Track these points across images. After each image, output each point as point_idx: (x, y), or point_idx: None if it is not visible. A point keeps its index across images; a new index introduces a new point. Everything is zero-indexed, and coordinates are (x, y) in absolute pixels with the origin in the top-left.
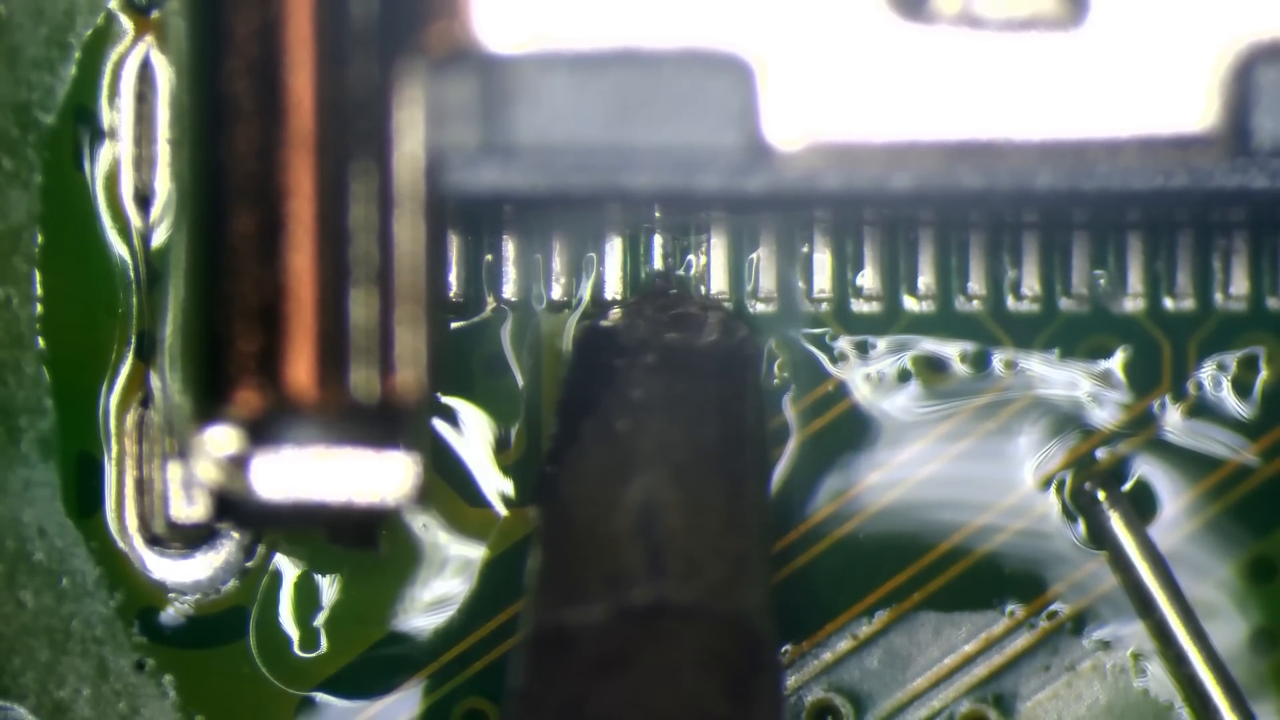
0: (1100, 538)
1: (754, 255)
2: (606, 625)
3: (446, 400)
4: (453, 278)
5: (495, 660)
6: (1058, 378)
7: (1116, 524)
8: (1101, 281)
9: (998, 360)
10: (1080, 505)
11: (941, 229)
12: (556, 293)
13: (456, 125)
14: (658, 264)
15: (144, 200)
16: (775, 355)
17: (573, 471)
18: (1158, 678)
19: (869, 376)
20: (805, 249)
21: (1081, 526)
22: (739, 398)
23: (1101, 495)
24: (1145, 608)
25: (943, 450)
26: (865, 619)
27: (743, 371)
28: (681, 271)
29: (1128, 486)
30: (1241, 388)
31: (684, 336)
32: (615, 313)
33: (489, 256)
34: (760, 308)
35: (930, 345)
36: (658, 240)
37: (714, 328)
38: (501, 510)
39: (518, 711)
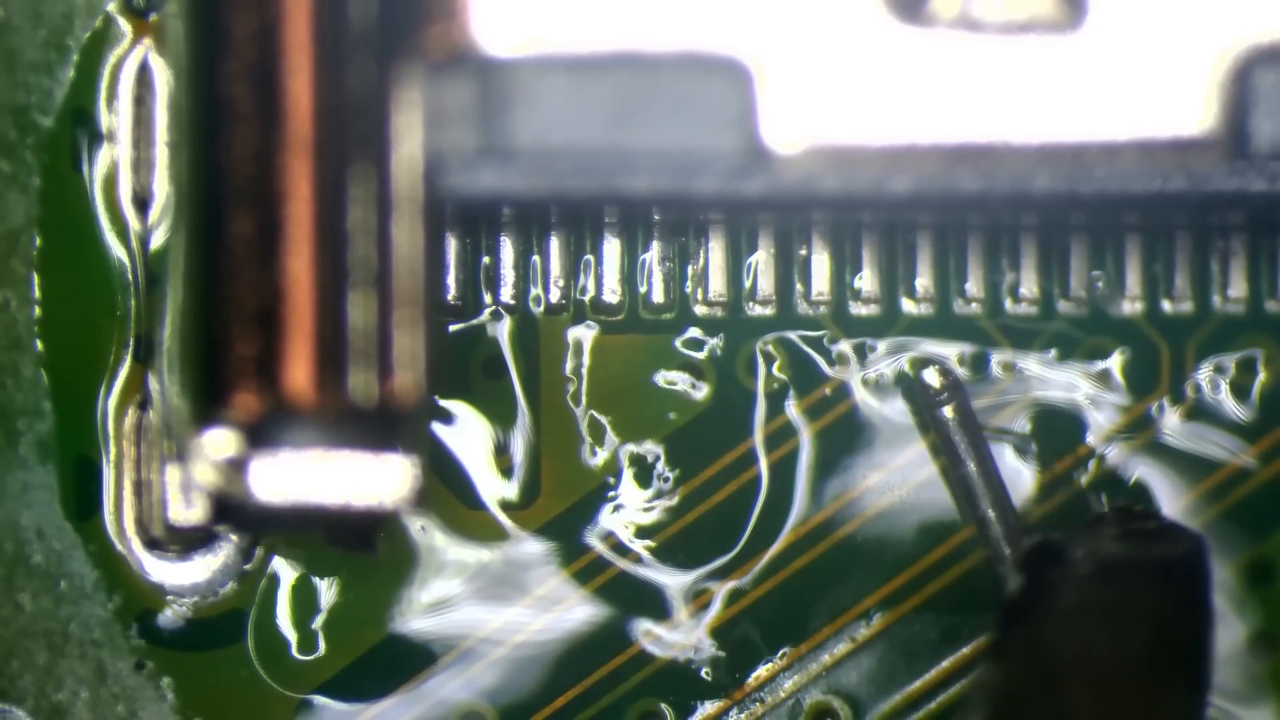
0: (930, 424)
1: (752, 258)
2: None
3: (444, 403)
4: (451, 280)
5: (494, 662)
6: (1056, 380)
7: (949, 415)
8: (1100, 284)
9: (996, 363)
10: (912, 393)
11: (940, 232)
12: (555, 296)
13: (455, 128)
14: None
15: (142, 203)
16: (775, 357)
17: (996, 679)
18: None
19: (867, 379)
20: (803, 252)
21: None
22: (1173, 604)
23: (937, 383)
24: (969, 502)
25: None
26: (864, 622)
27: (1180, 577)
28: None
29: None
30: (1240, 390)
31: (1129, 547)
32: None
33: (487, 259)
34: (758, 311)
35: (929, 348)
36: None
37: (1163, 540)
38: (499, 513)
39: None
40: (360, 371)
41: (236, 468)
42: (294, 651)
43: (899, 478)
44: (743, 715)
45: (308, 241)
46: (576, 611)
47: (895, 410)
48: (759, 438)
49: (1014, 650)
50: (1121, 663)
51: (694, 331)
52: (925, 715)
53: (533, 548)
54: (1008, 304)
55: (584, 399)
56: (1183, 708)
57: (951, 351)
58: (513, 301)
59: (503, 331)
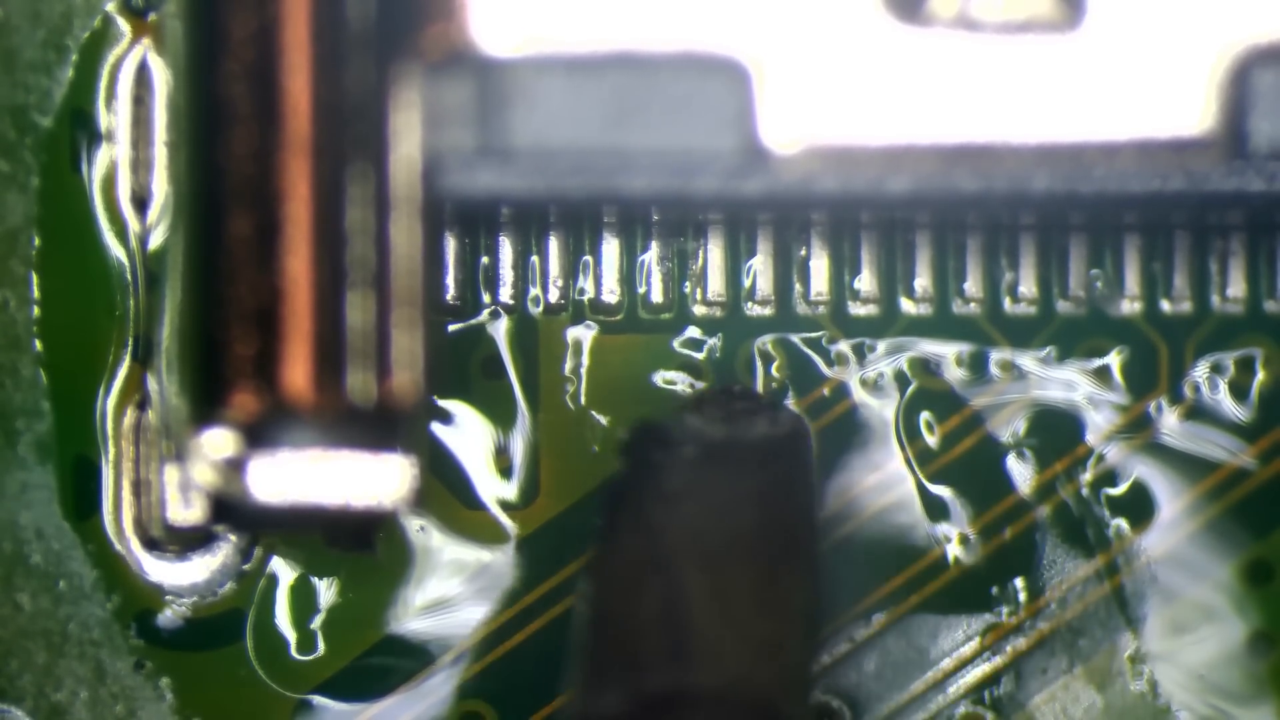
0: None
1: (751, 259)
2: (625, 713)
3: (443, 403)
4: (449, 280)
5: (492, 663)
6: (1055, 380)
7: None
8: (1098, 284)
9: (994, 362)
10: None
11: (938, 232)
12: (553, 296)
13: (453, 128)
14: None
15: (141, 203)
16: (773, 358)
17: (605, 563)
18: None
19: (866, 379)
20: (802, 252)
21: None
22: (779, 484)
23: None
24: None
25: (940, 453)
26: (863, 622)
27: (784, 457)
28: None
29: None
30: (1238, 390)
31: (729, 430)
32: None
33: (485, 259)
34: (757, 311)
35: (927, 347)
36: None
37: (763, 421)
38: (498, 513)
39: None
40: (359, 371)
41: (235, 468)
42: (293, 651)
43: (898, 478)
44: None
45: (306, 241)
46: (576, 612)
47: (893, 410)
48: None
49: (622, 533)
50: (732, 544)
51: (693, 331)
52: (925, 715)
53: (532, 548)
54: (1006, 304)
55: (583, 399)
56: (795, 587)
57: (950, 351)
58: (511, 301)
59: (501, 331)
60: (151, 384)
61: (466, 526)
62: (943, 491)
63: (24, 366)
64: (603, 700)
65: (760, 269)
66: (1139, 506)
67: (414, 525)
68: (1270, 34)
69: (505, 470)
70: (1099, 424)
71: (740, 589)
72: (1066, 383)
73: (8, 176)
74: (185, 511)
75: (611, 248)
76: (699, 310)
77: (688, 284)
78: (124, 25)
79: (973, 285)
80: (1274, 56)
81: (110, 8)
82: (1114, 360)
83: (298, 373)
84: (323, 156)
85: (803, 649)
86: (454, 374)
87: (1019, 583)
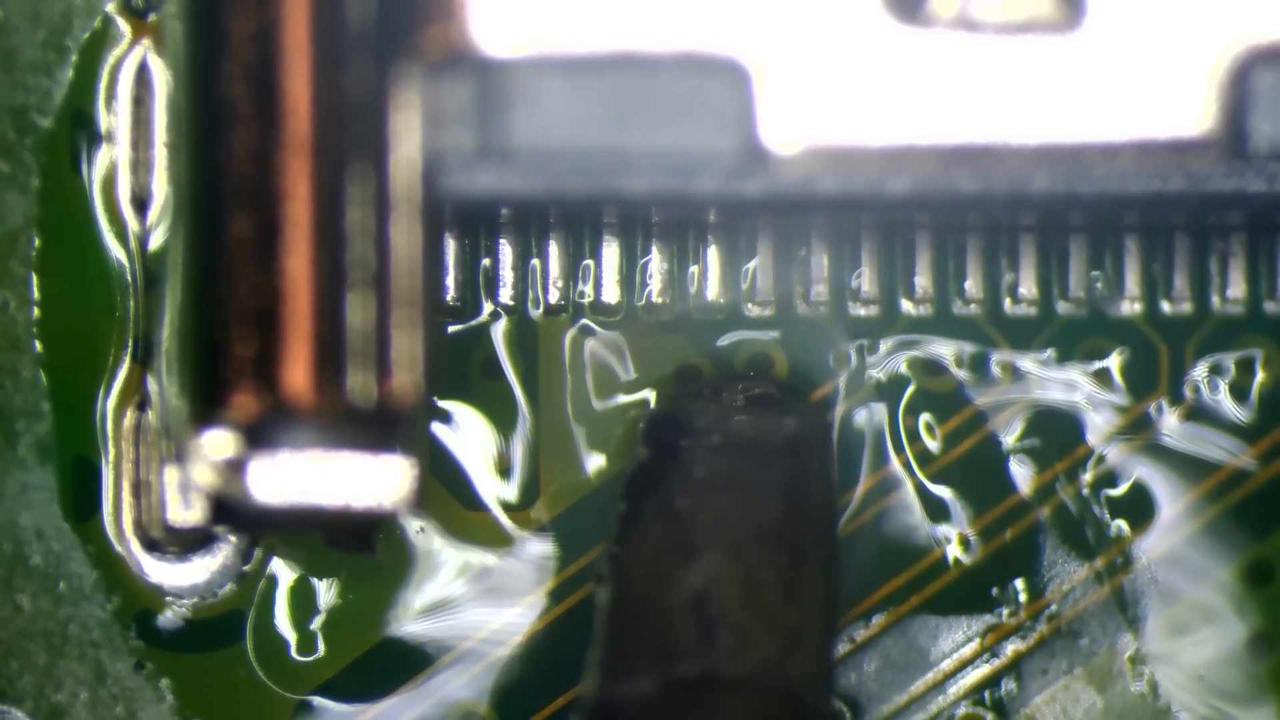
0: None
1: (751, 260)
2: (655, 698)
3: (443, 404)
4: (449, 281)
5: (493, 663)
6: (1055, 381)
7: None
8: (1099, 284)
9: (995, 363)
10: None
11: (939, 232)
12: (553, 297)
13: (453, 129)
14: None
15: (141, 204)
16: (773, 359)
17: (632, 549)
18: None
19: (867, 379)
20: (802, 253)
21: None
22: (804, 477)
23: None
24: None
25: (940, 454)
26: (863, 623)
27: (809, 451)
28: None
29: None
30: (1239, 391)
31: (752, 418)
32: (692, 396)
33: (485, 260)
34: (757, 312)
35: (928, 348)
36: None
37: (785, 410)
38: (498, 514)
39: None
40: (359, 372)
41: (235, 468)
42: (293, 652)
43: (898, 479)
44: None
45: (306, 242)
46: (576, 612)
47: (895, 411)
48: None
49: (649, 520)
50: (758, 532)
51: (693, 332)
52: (925, 716)
53: (532, 548)
54: (1007, 305)
55: (582, 400)
56: (818, 578)
57: (951, 351)
58: (511, 302)
59: (501, 333)
60: (151, 385)
61: (466, 528)
62: (943, 492)
63: (24, 367)
64: (632, 685)
65: (760, 269)
66: (1139, 507)
67: (414, 526)
68: (1270, 34)
69: (505, 471)
70: (1099, 425)
71: (767, 578)
72: (1067, 383)
73: (8, 177)
74: (185, 512)
75: (611, 249)
76: (699, 311)
77: (688, 285)
78: (124, 26)
79: (973, 286)
80: (1274, 57)
81: (110, 8)
82: (1114, 361)
83: (298, 373)
84: (323, 157)
85: (824, 640)
86: (454, 375)
87: (1019, 584)
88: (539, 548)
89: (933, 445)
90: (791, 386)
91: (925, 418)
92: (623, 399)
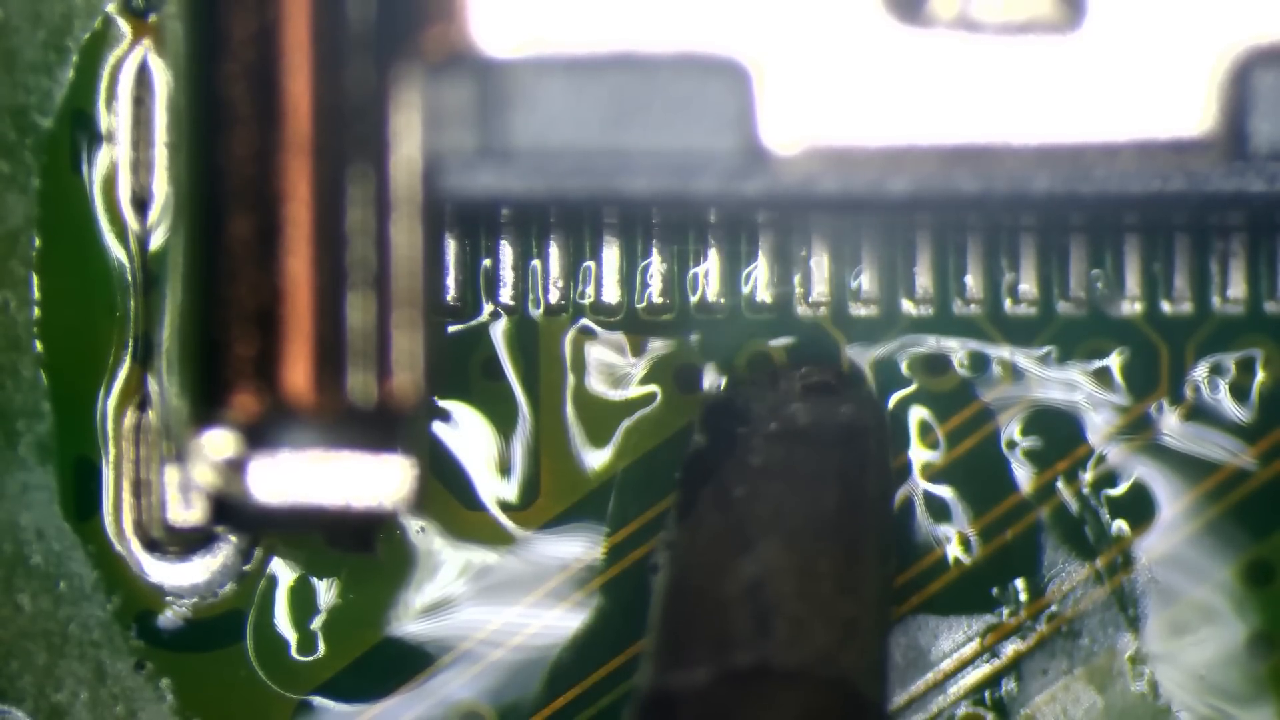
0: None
1: (752, 261)
2: (710, 688)
3: (443, 404)
4: (450, 281)
5: (493, 663)
6: (1055, 380)
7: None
8: (1099, 284)
9: (996, 363)
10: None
11: (939, 232)
12: (554, 297)
13: (453, 129)
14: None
15: (141, 204)
16: (773, 360)
17: (688, 538)
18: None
19: (867, 380)
20: (803, 253)
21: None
22: (860, 467)
23: None
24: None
25: (941, 453)
26: None
27: (865, 440)
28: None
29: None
30: (1239, 391)
31: (809, 406)
32: (750, 383)
33: (486, 260)
34: (758, 312)
35: (928, 348)
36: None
37: (843, 399)
38: (498, 514)
39: None
40: (359, 372)
41: (235, 468)
42: (293, 652)
43: (897, 478)
44: None
45: (307, 242)
46: (576, 612)
47: (895, 410)
48: None
49: (705, 508)
50: (815, 522)
51: (693, 333)
52: (925, 716)
53: (532, 548)
54: (1007, 304)
55: (582, 401)
56: (874, 569)
57: (951, 352)
58: (512, 303)
59: (501, 333)
60: (152, 385)
61: (466, 528)
62: (943, 492)
63: (24, 367)
64: (686, 675)
65: (760, 270)
66: (1139, 507)
67: (414, 526)
68: (1270, 34)
69: (505, 471)
70: (1099, 425)
71: (823, 568)
72: (1067, 383)
73: (8, 177)
74: (186, 512)
75: (612, 249)
76: (699, 311)
77: (689, 285)
78: (124, 26)
79: (973, 286)
80: (1274, 57)
81: (110, 9)
82: (1114, 361)
83: (298, 373)
84: (323, 157)
85: (879, 632)
86: (454, 375)
87: (1019, 583)
88: (539, 547)
89: (933, 445)
90: (850, 375)
91: (925, 417)
92: (623, 399)
